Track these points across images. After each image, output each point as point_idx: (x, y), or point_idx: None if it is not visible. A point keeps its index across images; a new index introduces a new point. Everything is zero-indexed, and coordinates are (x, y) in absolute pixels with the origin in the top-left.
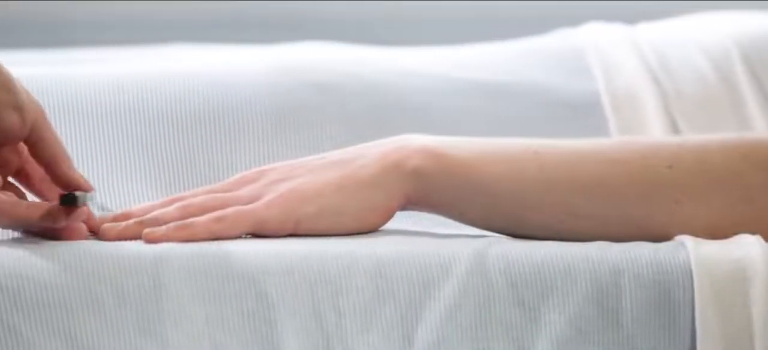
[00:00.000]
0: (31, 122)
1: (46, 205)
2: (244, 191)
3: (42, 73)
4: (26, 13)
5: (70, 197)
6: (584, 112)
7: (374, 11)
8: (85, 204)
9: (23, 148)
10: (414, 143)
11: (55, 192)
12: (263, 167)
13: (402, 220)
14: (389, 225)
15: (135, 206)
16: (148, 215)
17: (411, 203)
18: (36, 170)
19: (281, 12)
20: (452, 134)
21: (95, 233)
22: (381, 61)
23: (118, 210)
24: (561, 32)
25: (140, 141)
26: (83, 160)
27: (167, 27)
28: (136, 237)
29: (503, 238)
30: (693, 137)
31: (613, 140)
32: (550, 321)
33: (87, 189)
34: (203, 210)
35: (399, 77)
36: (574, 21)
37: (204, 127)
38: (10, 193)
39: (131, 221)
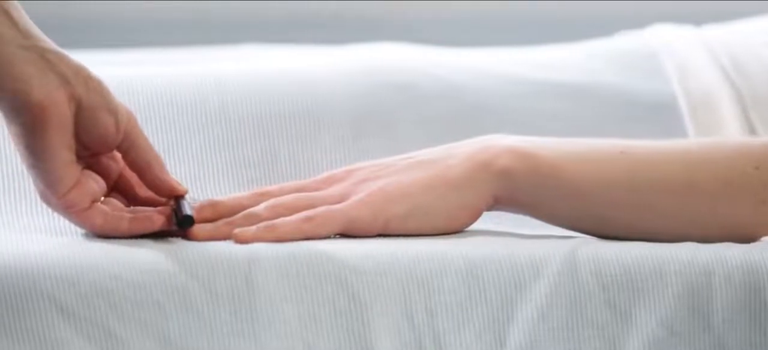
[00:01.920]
0: (125, 125)
1: (148, 221)
2: (333, 191)
3: (122, 74)
4: (90, 12)
5: (188, 220)
6: (660, 113)
7: (427, 13)
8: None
9: (118, 155)
10: (501, 143)
11: (151, 196)
12: (351, 167)
13: (487, 220)
14: (475, 225)
15: (221, 198)
16: (238, 216)
17: (498, 204)
18: (134, 176)
19: (338, 12)
20: (530, 135)
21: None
22: (457, 62)
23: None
24: (628, 34)
25: (221, 141)
26: (166, 161)
27: (224, 28)
28: (226, 238)
29: (592, 239)
30: None
31: (699, 141)
32: (641, 322)
33: (182, 192)
34: (292, 210)
35: (476, 78)
36: (625, 23)
37: (285, 127)
38: (115, 202)
39: (220, 222)
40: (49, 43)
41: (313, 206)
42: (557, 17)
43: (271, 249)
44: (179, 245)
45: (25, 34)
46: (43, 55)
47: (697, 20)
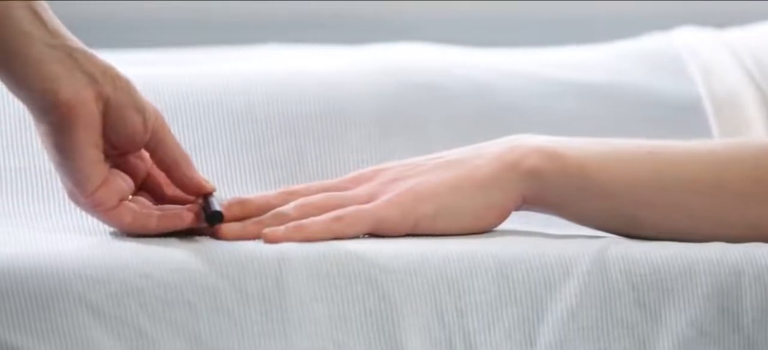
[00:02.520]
0: (152, 124)
1: (178, 218)
2: (361, 190)
3: (148, 73)
4: (91, 12)
5: (217, 216)
6: (685, 114)
7: (428, 13)
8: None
9: (146, 154)
10: (529, 143)
11: (179, 194)
12: (379, 166)
13: (515, 220)
14: (503, 225)
15: (249, 196)
16: (266, 215)
17: (526, 203)
18: (162, 175)
19: (354, 12)
20: (556, 135)
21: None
22: (480, 61)
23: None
24: (653, 36)
25: (247, 141)
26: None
27: (224, 28)
28: (255, 238)
29: (622, 238)
30: None
31: (726, 141)
32: (671, 322)
33: (210, 190)
34: (321, 209)
35: (502, 78)
36: (625, 24)
37: (312, 127)
38: (143, 200)
39: (249, 221)
40: (77, 42)
41: (341, 206)
42: (559, 18)
43: (300, 249)
44: (209, 244)
45: (54, 34)
46: (71, 54)
47: (702, 21)
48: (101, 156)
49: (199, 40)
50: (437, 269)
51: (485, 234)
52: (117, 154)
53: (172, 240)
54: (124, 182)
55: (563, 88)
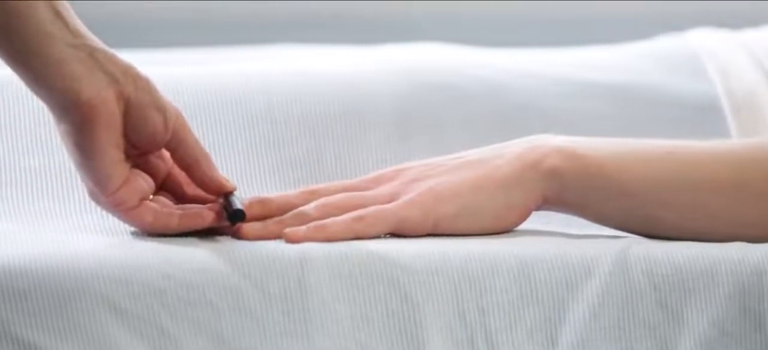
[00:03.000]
0: (173, 123)
1: (199, 217)
2: (382, 190)
3: (168, 73)
4: (90, 12)
5: (239, 214)
6: (703, 114)
7: (428, 13)
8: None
9: (167, 154)
10: (549, 143)
11: (199, 193)
12: (399, 166)
13: (535, 220)
14: (524, 225)
15: (270, 195)
16: (288, 215)
17: (547, 203)
18: (182, 175)
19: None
20: (575, 135)
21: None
22: (497, 62)
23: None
24: (669, 36)
25: (267, 141)
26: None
27: (224, 28)
28: (276, 237)
29: (643, 239)
30: None
31: (745, 141)
32: (692, 322)
33: (231, 189)
34: (342, 209)
35: (520, 79)
36: (629, 24)
37: (331, 127)
38: (164, 199)
39: (270, 221)
40: (98, 42)
41: (363, 206)
42: (558, 18)
43: (322, 250)
44: (230, 244)
45: (75, 34)
46: (92, 54)
47: (707, 21)
48: (122, 156)
49: (200, 40)
50: (459, 268)
51: (506, 234)
52: (138, 154)
53: (194, 240)
54: (144, 182)
55: (581, 88)
